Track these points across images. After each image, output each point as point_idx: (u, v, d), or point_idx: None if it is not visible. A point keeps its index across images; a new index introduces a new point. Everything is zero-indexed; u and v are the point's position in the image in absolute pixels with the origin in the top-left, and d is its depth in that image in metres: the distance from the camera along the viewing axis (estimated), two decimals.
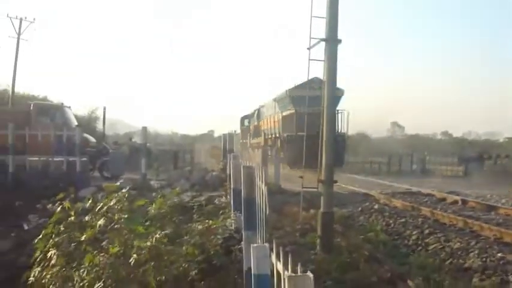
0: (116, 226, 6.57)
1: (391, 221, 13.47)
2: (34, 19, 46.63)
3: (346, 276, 8.28)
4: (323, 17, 10.19)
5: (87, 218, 7.17)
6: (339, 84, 10.24)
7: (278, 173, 20.13)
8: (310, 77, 10.56)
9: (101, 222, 6.63)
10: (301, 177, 11.40)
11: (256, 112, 38.96)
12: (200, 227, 7.78)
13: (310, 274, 3.33)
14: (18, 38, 45.96)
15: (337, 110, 22.97)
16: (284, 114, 29.88)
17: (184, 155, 34.14)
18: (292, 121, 26.84)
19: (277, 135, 31.13)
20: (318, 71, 10.37)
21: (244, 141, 44.72)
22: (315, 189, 11.05)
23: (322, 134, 10.18)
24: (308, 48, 10.56)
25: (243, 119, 46.42)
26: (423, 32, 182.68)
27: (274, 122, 31.93)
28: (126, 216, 6.62)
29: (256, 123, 38.22)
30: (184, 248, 6.83)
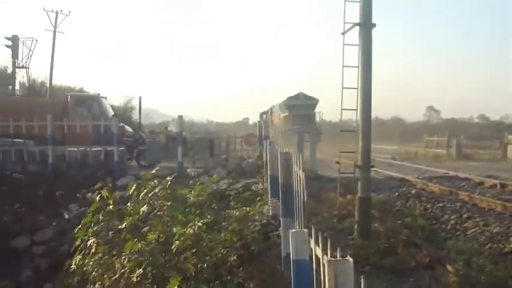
0: (158, 213, 6.64)
1: (428, 206, 13.34)
2: (70, 12, 47.21)
3: (385, 261, 8.25)
4: (357, 1, 10.10)
5: (129, 204, 7.27)
6: (374, 69, 10.20)
7: (314, 158, 20.09)
8: (348, 66, 10.48)
9: (144, 209, 6.71)
10: (338, 162, 11.36)
11: (270, 110, 47.85)
12: (238, 213, 7.81)
13: (349, 258, 3.33)
14: (55, 31, 46.53)
15: (314, 112, 36.56)
16: (283, 115, 38.99)
17: (220, 142, 34.18)
18: (288, 120, 36.49)
19: (280, 129, 39.03)
20: (353, 56, 10.25)
21: None
22: (352, 175, 11.01)
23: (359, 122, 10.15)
24: (342, 33, 10.47)
25: (261, 114, 54.05)
26: (460, 15, 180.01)
27: (279, 119, 41.09)
28: (169, 203, 6.68)
29: (270, 118, 46.43)
30: (222, 234, 6.87)
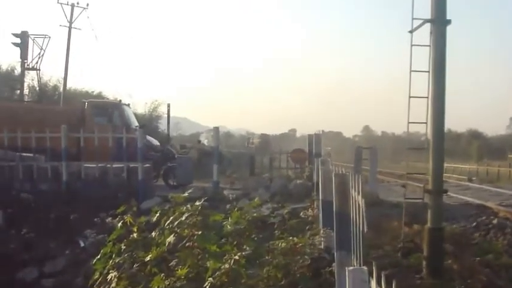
0: (187, 244, 6.66)
1: None
2: (87, 5, 47.92)
3: None
4: None
5: (153, 234, 7.30)
6: (448, 73, 10.10)
7: (374, 180, 19.91)
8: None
9: (171, 239, 6.73)
10: (404, 186, 11.27)
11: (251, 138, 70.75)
12: (283, 245, 7.80)
13: None
14: (70, 27, 47.24)
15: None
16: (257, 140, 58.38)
17: (262, 159, 34.23)
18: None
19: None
20: (423, 58, 10.17)
21: None
22: (420, 201, 10.90)
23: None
24: (410, 31, 10.39)
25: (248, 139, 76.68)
26: None
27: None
28: (199, 232, 6.69)
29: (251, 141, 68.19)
30: (265, 270, 6.87)
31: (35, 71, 43.03)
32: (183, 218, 7.00)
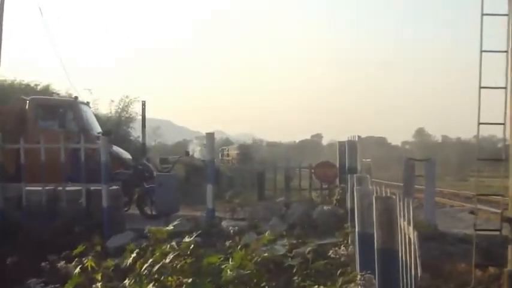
0: None
1: None
2: None
3: None
4: None
5: (125, 283, 7.34)
6: None
7: (432, 204, 19.88)
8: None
9: None
10: (474, 212, 11.24)
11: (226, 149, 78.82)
12: None
13: None
14: None
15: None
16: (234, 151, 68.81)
17: (275, 176, 33.96)
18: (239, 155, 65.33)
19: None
20: (499, 32, 10.17)
21: None
22: (497, 233, 10.89)
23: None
24: None
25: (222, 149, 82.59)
26: None
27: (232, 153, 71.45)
28: (189, 280, 6.71)
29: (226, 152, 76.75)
30: None
31: None
32: (167, 260, 7.02)
